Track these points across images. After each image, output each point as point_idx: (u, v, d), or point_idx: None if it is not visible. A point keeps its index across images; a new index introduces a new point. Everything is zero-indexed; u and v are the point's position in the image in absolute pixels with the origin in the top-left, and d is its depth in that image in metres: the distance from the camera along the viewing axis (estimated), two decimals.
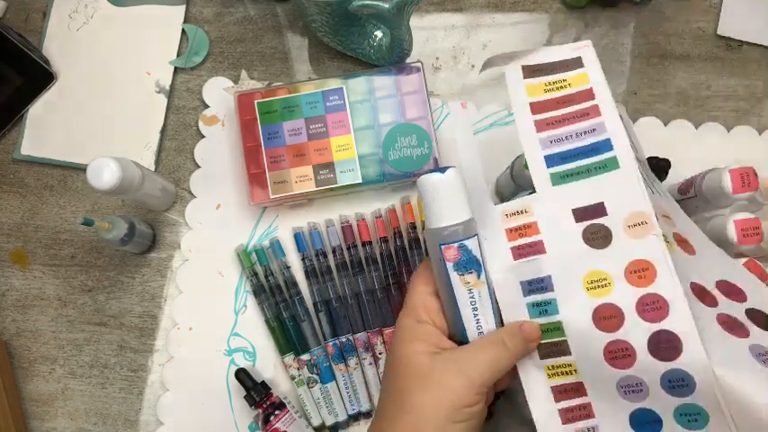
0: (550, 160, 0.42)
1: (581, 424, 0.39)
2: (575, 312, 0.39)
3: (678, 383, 0.36)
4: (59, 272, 0.64)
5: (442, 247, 0.38)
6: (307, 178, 0.62)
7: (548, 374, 0.41)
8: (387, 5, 0.55)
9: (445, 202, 0.37)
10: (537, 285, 0.40)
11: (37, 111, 0.66)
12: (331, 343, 0.61)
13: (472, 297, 0.38)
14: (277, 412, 0.57)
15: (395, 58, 0.64)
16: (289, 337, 0.61)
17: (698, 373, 0.35)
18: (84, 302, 0.64)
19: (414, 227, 0.62)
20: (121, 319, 0.63)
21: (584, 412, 0.39)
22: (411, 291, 0.42)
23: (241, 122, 0.62)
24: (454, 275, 0.38)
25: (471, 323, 0.40)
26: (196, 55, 0.67)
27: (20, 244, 0.65)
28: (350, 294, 0.61)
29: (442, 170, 0.38)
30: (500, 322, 0.41)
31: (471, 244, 0.38)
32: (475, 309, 0.39)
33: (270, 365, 0.62)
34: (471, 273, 0.38)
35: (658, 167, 0.54)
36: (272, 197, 0.61)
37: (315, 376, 0.60)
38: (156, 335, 0.63)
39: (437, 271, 0.40)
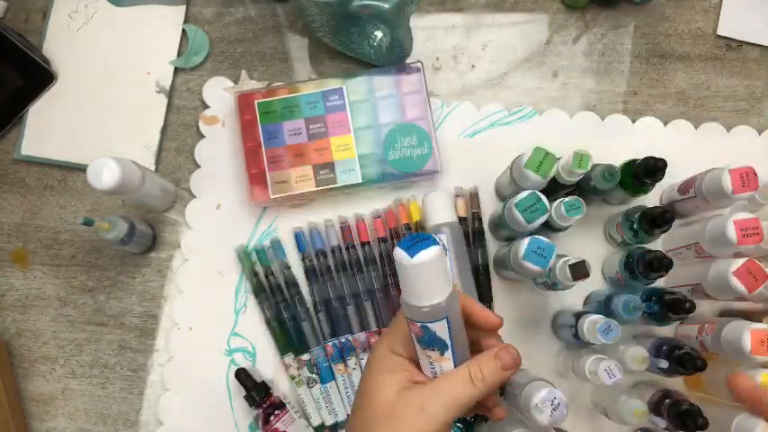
0: None
1: None
2: None
3: None
4: (60, 272, 0.64)
5: (408, 320, 0.35)
6: (307, 178, 0.62)
7: None
8: (387, 5, 0.55)
9: (413, 282, 0.34)
10: None
11: (37, 111, 0.66)
12: (330, 343, 0.61)
13: (433, 368, 0.36)
14: (277, 412, 0.57)
15: (395, 58, 0.64)
16: (289, 337, 0.61)
17: None
18: (84, 302, 0.64)
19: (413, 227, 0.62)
20: (122, 319, 0.64)
21: None
22: (395, 319, 0.40)
23: (241, 122, 0.62)
24: (418, 346, 0.36)
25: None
26: (196, 55, 0.67)
27: (20, 244, 0.65)
28: (348, 294, 0.61)
29: (424, 244, 0.33)
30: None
31: (436, 327, 0.35)
32: (435, 376, 0.37)
33: (270, 365, 0.62)
34: (434, 350, 0.35)
35: (655, 167, 0.54)
36: (272, 197, 0.61)
37: (314, 376, 0.60)
38: (156, 335, 0.63)
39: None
